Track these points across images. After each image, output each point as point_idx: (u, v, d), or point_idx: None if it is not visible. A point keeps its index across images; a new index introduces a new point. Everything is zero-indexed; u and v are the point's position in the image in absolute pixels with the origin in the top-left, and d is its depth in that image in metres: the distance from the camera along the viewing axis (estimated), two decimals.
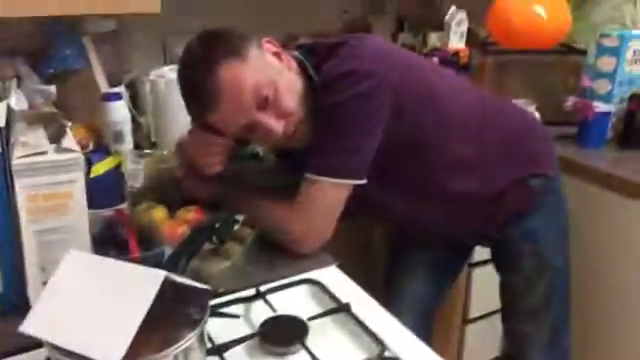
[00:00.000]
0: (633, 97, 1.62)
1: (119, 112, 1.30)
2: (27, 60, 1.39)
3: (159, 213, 1.07)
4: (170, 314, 0.66)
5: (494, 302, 1.37)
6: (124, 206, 1.07)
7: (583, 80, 1.74)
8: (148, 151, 1.35)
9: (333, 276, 0.97)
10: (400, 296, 1.35)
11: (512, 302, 1.32)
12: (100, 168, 1.05)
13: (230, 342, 0.78)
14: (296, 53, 1.08)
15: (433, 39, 1.99)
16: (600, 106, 1.62)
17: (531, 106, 1.67)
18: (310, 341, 0.80)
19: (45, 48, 1.40)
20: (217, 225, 0.98)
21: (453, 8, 1.87)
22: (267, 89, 0.96)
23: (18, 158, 0.78)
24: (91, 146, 1.19)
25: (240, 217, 1.02)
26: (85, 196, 0.83)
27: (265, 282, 0.94)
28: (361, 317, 0.84)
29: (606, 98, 1.65)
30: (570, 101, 1.65)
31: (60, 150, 0.81)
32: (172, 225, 1.04)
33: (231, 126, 0.99)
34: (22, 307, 0.70)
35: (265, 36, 1.05)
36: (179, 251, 0.88)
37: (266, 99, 0.97)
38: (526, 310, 1.29)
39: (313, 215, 1.00)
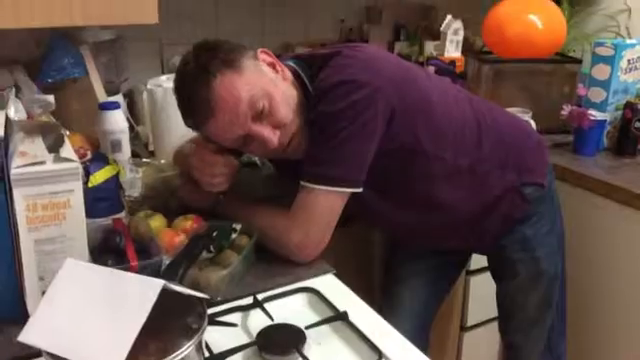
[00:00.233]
0: (628, 105, 1.63)
1: (117, 121, 1.30)
2: (25, 69, 1.40)
3: (157, 222, 1.07)
4: (168, 323, 0.67)
5: (491, 310, 1.38)
6: (122, 215, 1.08)
7: (578, 88, 1.76)
8: (146, 160, 1.35)
9: (330, 284, 0.98)
10: (397, 305, 1.36)
11: (508, 310, 1.33)
12: (98, 177, 1.05)
13: (228, 351, 0.79)
14: (292, 63, 1.09)
15: (429, 48, 2.00)
16: (595, 114, 1.64)
17: (527, 114, 1.68)
18: (307, 349, 0.80)
19: (43, 57, 1.40)
20: (215, 234, 0.98)
21: (449, 17, 1.88)
22: (262, 100, 0.97)
23: (17, 168, 0.78)
24: (89, 155, 1.19)
25: (238, 226, 1.02)
26: (83, 205, 0.84)
27: (263, 290, 0.94)
28: (358, 325, 0.85)
29: (601, 106, 1.67)
30: (566, 109, 1.67)
31: (58, 160, 0.81)
32: (170, 234, 1.04)
33: (227, 137, 1.00)
34: (20, 316, 0.71)
35: (263, 44, 1.06)
36: (177, 260, 0.88)
37: (261, 110, 0.98)
38: (522, 318, 1.30)
39: (310, 223, 1.00)
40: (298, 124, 1.02)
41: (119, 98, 1.52)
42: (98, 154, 1.20)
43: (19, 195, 0.79)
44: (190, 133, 1.11)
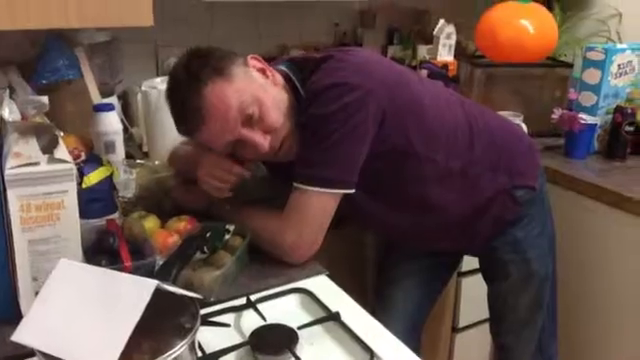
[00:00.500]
0: (618, 109, 1.65)
1: (111, 122, 1.30)
2: (20, 71, 1.40)
3: (151, 223, 1.07)
4: (161, 323, 0.67)
5: (483, 311, 1.38)
6: (116, 216, 1.08)
7: (569, 93, 1.78)
8: (140, 161, 1.36)
9: (323, 285, 0.99)
10: (390, 306, 1.36)
11: (499, 311, 1.34)
12: (92, 178, 1.05)
13: (221, 351, 0.79)
14: (284, 67, 1.10)
15: (422, 52, 2.02)
16: (586, 118, 1.65)
17: (518, 118, 1.70)
18: (300, 350, 0.81)
19: (38, 59, 1.40)
20: (208, 235, 0.98)
21: (442, 22, 1.90)
22: (252, 106, 0.99)
23: (11, 168, 0.79)
24: (83, 156, 1.20)
25: (231, 227, 1.03)
26: (77, 206, 0.84)
27: (256, 291, 0.95)
28: (351, 326, 0.85)
29: (592, 110, 1.69)
30: (557, 113, 1.68)
31: (52, 161, 0.82)
32: (163, 234, 1.05)
33: (218, 143, 1.02)
34: (14, 316, 0.71)
35: (258, 47, 1.07)
36: (170, 260, 0.89)
37: (252, 116, 0.99)
38: (513, 319, 1.31)
39: (303, 224, 1.01)
40: (289, 127, 1.04)
41: (113, 100, 1.52)
42: (92, 155, 1.20)
43: (13, 196, 0.79)
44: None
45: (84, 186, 1.03)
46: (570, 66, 1.88)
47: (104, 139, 1.29)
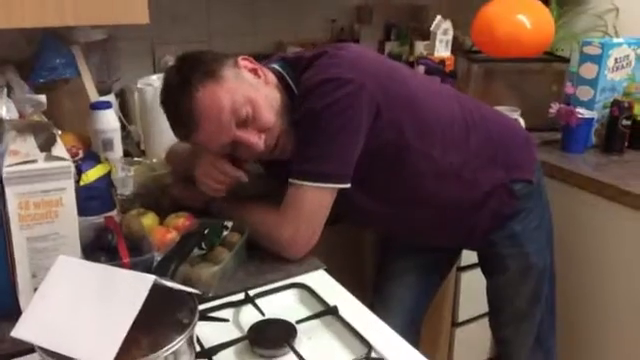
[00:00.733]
0: (615, 103, 1.66)
1: (109, 120, 1.30)
2: (17, 69, 1.40)
3: (149, 220, 1.08)
4: (159, 318, 0.68)
5: (483, 305, 1.39)
6: (114, 213, 1.08)
7: (566, 87, 1.78)
8: (138, 159, 1.36)
9: (321, 280, 0.99)
10: (388, 301, 1.37)
11: (498, 305, 1.34)
12: (90, 176, 1.05)
13: (219, 345, 0.80)
14: (277, 66, 1.10)
15: (420, 47, 2.02)
16: (583, 112, 1.66)
17: (516, 112, 1.70)
18: (298, 343, 0.81)
19: (35, 57, 1.40)
20: (206, 231, 0.99)
21: (439, 17, 1.90)
22: (245, 107, 0.99)
23: (8, 166, 0.79)
24: (81, 154, 1.20)
25: (229, 223, 1.03)
26: (75, 203, 0.84)
27: (254, 287, 0.95)
28: (348, 319, 0.86)
29: (589, 104, 1.69)
30: (554, 107, 1.69)
31: (50, 158, 0.82)
32: (162, 231, 1.05)
33: (214, 145, 1.03)
34: (14, 313, 0.71)
35: (255, 44, 1.07)
36: (168, 256, 0.89)
37: (245, 117, 1.00)
38: (512, 312, 1.32)
39: (300, 219, 1.01)
40: (284, 125, 1.04)
41: (111, 98, 1.52)
42: (90, 153, 1.21)
43: (11, 193, 0.80)
44: None
45: (82, 183, 1.03)
46: (567, 61, 1.88)
47: (102, 137, 1.30)
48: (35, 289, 0.73)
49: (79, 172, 1.03)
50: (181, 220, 1.08)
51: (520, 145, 1.24)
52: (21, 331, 0.64)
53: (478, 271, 1.36)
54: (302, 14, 1.97)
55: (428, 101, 1.12)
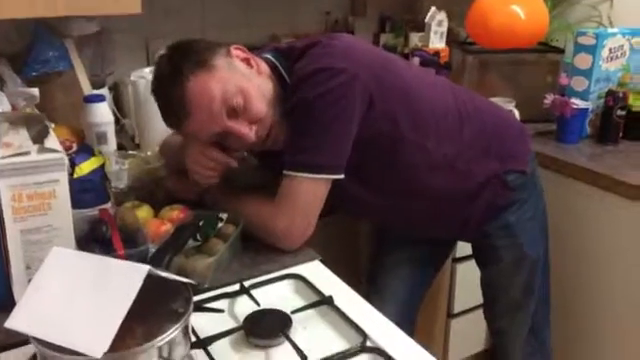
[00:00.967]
0: (609, 93, 1.66)
1: (102, 113, 1.30)
2: (10, 62, 1.39)
3: (144, 212, 1.08)
4: (154, 308, 0.68)
5: (478, 297, 1.39)
6: (108, 206, 1.08)
7: (561, 78, 1.78)
8: (132, 152, 1.36)
9: (316, 270, 0.99)
10: (383, 293, 1.37)
11: (493, 296, 1.35)
12: (84, 168, 1.05)
13: (214, 335, 0.80)
14: (269, 56, 1.10)
15: (414, 39, 2.02)
16: (578, 103, 1.66)
17: (510, 103, 1.70)
18: (294, 333, 0.81)
19: (28, 50, 1.39)
20: (201, 223, 0.99)
21: (433, 9, 1.89)
22: (236, 97, 0.99)
23: (1, 158, 0.79)
24: (75, 147, 1.19)
25: (224, 215, 1.03)
26: (69, 196, 0.84)
27: (249, 278, 0.95)
28: (344, 309, 0.86)
29: (583, 95, 1.69)
30: (549, 98, 1.69)
31: (43, 150, 0.82)
32: (156, 223, 1.05)
33: (205, 134, 1.03)
34: (8, 304, 0.71)
35: (249, 36, 1.07)
36: (163, 248, 0.89)
37: (236, 107, 0.99)
38: (506, 302, 1.32)
39: (294, 210, 1.01)
40: (276, 116, 1.04)
41: (105, 91, 1.52)
42: (84, 146, 1.20)
43: (4, 185, 0.79)
44: None
45: (76, 176, 1.02)
46: (561, 51, 1.88)
47: (95, 130, 1.29)
48: (29, 280, 0.73)
49: (73, 165, 1.03)
50: (175, 212, 1.08)
51: (514, 136, 1.24)
52: (15, 322, 0.64)
53: (473, 262, 1.36)
54: (296, 6, 1.97)
55: (423, 93, 1.12)
